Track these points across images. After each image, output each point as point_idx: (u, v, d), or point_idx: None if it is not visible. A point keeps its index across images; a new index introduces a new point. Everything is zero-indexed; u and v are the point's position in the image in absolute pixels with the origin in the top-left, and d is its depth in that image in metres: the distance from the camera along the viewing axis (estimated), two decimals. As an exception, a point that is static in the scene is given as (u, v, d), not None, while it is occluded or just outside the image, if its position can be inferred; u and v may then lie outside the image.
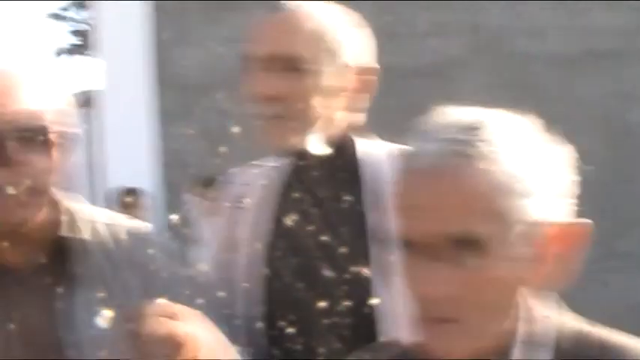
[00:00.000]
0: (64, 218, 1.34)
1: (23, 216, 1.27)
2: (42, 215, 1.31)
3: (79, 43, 17.97)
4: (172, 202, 6.08)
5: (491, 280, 0.85)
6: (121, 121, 6.56)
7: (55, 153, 1.30)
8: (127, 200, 5.29)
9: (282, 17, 1.41)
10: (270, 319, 1.43)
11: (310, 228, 1.43)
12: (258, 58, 1.40)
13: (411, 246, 0.88)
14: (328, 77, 1.41)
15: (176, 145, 6.47)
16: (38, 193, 1.28)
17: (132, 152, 6.40)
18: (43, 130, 1.28)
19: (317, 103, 1.41)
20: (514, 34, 6.13)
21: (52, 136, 1.29)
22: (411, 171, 0.89)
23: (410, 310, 0.90)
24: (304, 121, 1.41)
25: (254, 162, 1.58)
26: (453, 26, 6.10)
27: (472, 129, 0.88)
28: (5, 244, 1.30)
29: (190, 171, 5.49)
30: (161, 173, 6.51)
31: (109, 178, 6.54)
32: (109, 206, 5.16)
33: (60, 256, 1.33)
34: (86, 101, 7.64)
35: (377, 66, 1.48)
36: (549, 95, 5.74)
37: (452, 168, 0.85)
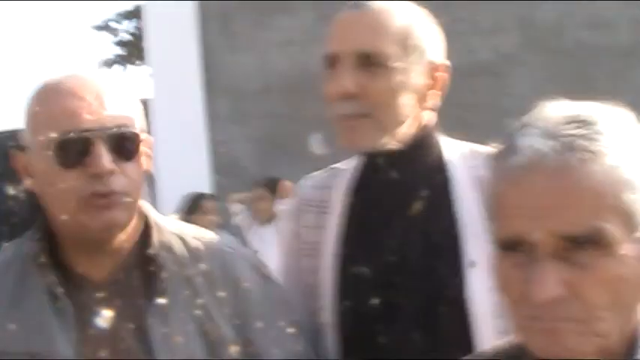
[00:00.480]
0: (152, 232, 1.30)
1: (114, 227, 1.24)
2: (131, 228, 1.28)
3: (124, 53, 18.20)
4: (224, 208, 6.10)
5: (614, 280, 0.82)
6: (172, 128, 6.59)
7: (142, 161, 1.28)
8: (204, 206, 5.27)
9: (366, 14, 1.39)
10: (357, 323, 1.39)
11: (396, 229, 1.39)
12: (341, 55, 1.37)
13: (518, 246, 0.84)
14: (412, 75, 1.38)
15: (227, 150, 6.49)
16: (129, 203, 1.24)
17: (183, 159, 6.43)
18: (133, 137, 1.25)
19: (401, 101, 1.37)
20: (572, 27, 6.02)
21: (140, 143, 1.26)
22: (527, 169, 0.84)
23: (511, 312, 0.87)
24: (387, 120, 1.37)
25: (332, 165, 1.54)
26: (508, 22, 6.02)
27: (588, 123, 0.84)
28: (92, 255, 1.27)
29: (241, 176, 5.50)
30: (212, 179, 6.53)
31: (160, 185, 6.57)
32: (180, 213, 5.20)
33: (148, 271, 1.29)
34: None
35: (449, 63, 1.45)
36: (607, 88, 5.61)
37: (576, 165, 0.82)
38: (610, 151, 0.82)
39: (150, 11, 6.61)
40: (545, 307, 0.82)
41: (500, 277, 0.87)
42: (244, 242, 5.04)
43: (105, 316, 1.27)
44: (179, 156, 6.46)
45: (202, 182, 6.21)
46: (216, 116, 6.55)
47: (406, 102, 1.38)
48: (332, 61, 1.38)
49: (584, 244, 0.81)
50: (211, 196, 5.51)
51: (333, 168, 1.54)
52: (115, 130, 1.22)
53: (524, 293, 0.83)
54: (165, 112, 6.64)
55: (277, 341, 1.32)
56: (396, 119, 1.37)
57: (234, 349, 1.28)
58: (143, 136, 1.28)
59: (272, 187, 5.21)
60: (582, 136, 0.82)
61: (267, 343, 1.32)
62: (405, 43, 1.37)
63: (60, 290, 1.26)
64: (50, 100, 1.24)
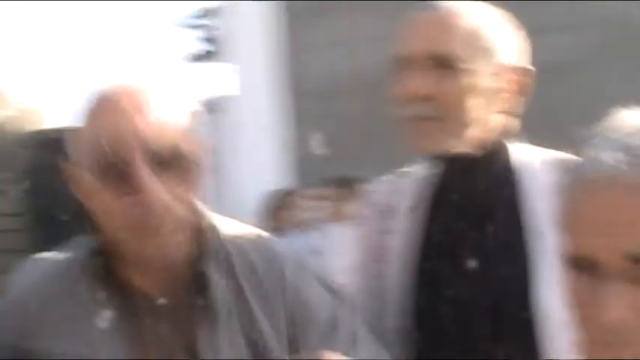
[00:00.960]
0: (208, 243, 1.27)
1: (166, 250, 1.20)
2: (186, 240, 1.24)
3: (209, 50, 18.46)
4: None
5: None
6: (252, 126, 6.66)
7: (191, 177, 1.22)
8: (288, 202, 5.31)
9: (437, 15, 1.37)
10: (423, 329, 1.39)
11: (464, 236, 1.38)
12: (411, 57, 1.36)
13: (586, 264, 0.80)
14: (483, 77, 1.35)
15: (307, 149, 6.50)
16: (179, 223, 1.20)
17: (263, 157, 6.49)
18: (181, 155, 1.20)
19: (471, 104, 1.34)
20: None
21: (186, 159, 1.21)
22: (596, 185, 0.79)
23: (579, 332, 0.83)
24: (457, 123, 1.35)
25: (402, 169, 1.53)
26: (584, 21, 5.85)
27: None
28: (146, 268, 1.25)
29: (320, 175, 5.50)
30: (292, 178, 6.57)
31: (239, 183, 6.64)
32: (264, 209, 5.24)
33: (203, 287, 1.26)
34: (217, 107, 7.80)
35: (532, 68, 1.41)
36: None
37: None
38: None
39: (233, 9, 6.67)
40: (613, 331, 0.78)
41: (568, 293, 0.84)
42: (312, 241, 5.05)
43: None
44: (260, 154, 6.52)
45: (282, 181, 6.24)
46: (297, 115, 6.58)
47: (476, 105, 1.34)
48: (403, 63, 1.37)
49: None
50: (295, 193, 5.52)
51: (402, 172, 1.53)
52: (160, 149, 1.17)
53: (592, 314, 0.80)
54: (246, 110, 6.71)
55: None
56: (465, 122, 1.35)
57: None
58: (194, 146, 1.23)
59: (344, 186, 5.19)
60: None
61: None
62: (476, 45, 1.35)
63: (111, 304, 1.25)
64: (95, 118, 1.20)
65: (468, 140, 1.35)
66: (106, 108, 1.20)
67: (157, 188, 1.16)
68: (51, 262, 1.34)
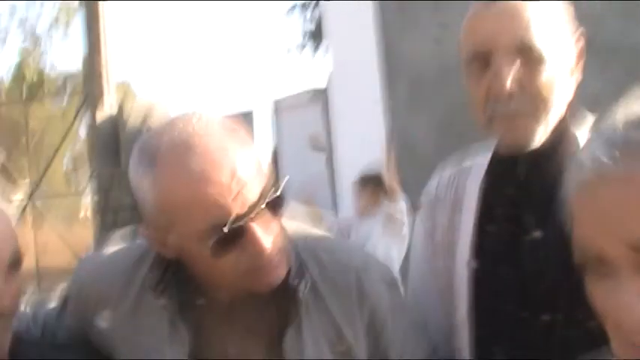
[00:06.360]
0: (292, 264, 1.26)
1: (273, 285, 1.21)
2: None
3: (310, 40, 18.56)
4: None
5: None
6: (352, 114, 6.69)
7: (279, 209, 1.20)
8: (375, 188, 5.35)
9: (510, 6, 1.31)
10: (492, 324, 1.36)
11: (532, 230, 1.33)
12: (493, 52, 1.30)
13: (600, 265, 0.78)
14: (564, 61, 1.32)
15: (406, 137, 6.50)
16: (285, 257, 1.21)
17: (363, 145, 6.51)
18: (275, 202, 1.17)
19: (556, 94, 1.31)
20: None
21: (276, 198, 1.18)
22: (590, 184, 0.78)
23: (611, 338, 0.80)
24: (547, 115, 1.31)
25: (466, 159, 1.49)
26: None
27: None
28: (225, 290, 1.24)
29: (420, 163, 5.48)
30: (392, 164, 6.56)
31: (339, 172, 6.70)
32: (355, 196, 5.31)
33: (285, 298, 1.26)
34: (317, 97, 7.88)
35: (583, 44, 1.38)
36: None
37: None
38: None
39: (330, -1, 6.72)
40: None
41: (592, 300, 0.82)
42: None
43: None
44: (358, 143, 6.54)
45: (381, 169, 6.25)
46: (395, 102, 6.56)
47: (560, 94, 1.32)
48: (483, 59, 1.31)
49: None
50: (381, 177, 5.50)
51: (465, 164, 1.48)
52: (261, 206, 1.14)
53: (616, 318, 0.77)
54: (344, 98, 6.75)
55: (410, 356, 1.31)
56: (552, 113, 1.31)
57: None
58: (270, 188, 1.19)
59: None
60: None
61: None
62: (552, 30, 1.30)
63: (178, 315, 1.25)
64: (185, 187, 1.12)
65: (543, 130, 1.31)
66: (195, 178, 1.11)
67: (269, 240, 1.16)
68: (118, 254, 1.35)
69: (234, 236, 1.12)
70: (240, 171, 1.12)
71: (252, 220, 1.13)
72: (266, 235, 1.15)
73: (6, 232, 1.16)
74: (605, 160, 0.76)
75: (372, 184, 5.36)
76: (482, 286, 1.37)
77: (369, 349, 1.28)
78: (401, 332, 1.31)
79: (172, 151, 1.13)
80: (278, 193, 1.18)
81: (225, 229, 1.10)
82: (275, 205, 1.17)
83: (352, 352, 1.26)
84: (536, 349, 1.30)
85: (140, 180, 1.15)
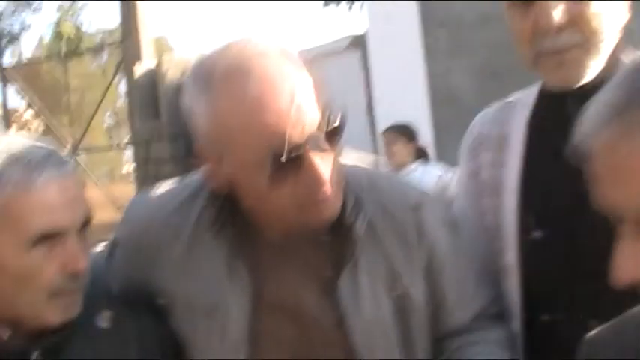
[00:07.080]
0: (346, 194, 1.19)
1: (328, 218, 1.15)
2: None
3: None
4: (441, 140, 6.08)
5: None
6: (389, 61, 6.64)
7: (338, 139, 1.13)
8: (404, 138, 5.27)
9: None
10: (540, 264, 1.31)
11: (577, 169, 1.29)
12: None
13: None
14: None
15: (445, 82, 6.45)
16: (340, 190, 1.15)
17: (401, 92, 6.47)
18: (334, 131, 1.11)
19: (609, 27, 1.26)
20: None
21: (336, 127, 1.12)
22: (590, 143, 0.79)
23: None
24: (599, 49, 1.26)
25: (511, 98, 1.43)
26: None
27: None
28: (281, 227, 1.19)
29: (459, 108, 5.43)
30: (430, 111, 6.52)
31: (378, 118, 6.66)
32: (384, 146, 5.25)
33: (341, 236, 1.20)
34: (356, 44, 7.82)
35: None
36: None
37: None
38: None
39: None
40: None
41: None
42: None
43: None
44: (397, 89, 6.50)
45: (421, 115, 6.21)
46: (434, 48, 6.50)
47: (610, 26, 1.26)
48: None
49: None
50: (410, 128, 5.41)
51: (510, 101, 1.43)
52: (318, 135, 1.08)
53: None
54: (382, 45, 6.70)
55: (468, 300, 1.28)
56: (604, 47, 1.26)
57: (423, 312, 1.24)
58: (330, 107, 1.12)
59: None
60: None
61: (459, 304, 1.27)
62: None
63: (237, 252, 1.21)
64: (242, 114, 1.06)
65: (595, 67, 1.26)
66: (254, 105, 1.06)
67: (325, 166, 1.10)
68: (169, 194, 1.30)
69: (291, 166, 1.06)
70: (299, 97, 1.06)
71: (310, 150, 1.07)
72: (324, 166, 1.09)
73: (79, 194, 1.16)
74: (595, 120, 0.77)
75: (404, 139, 5.23)
76: (531, 226, 1.32)
77: (425, 294, 1.23)
78: (460, 276, 1.27)
79: (228, 76, 1.07)
80: (337, 124, 1.11)
81: (283, 159, 1.05)
82: (333, 136, 1.11)
83: (409, 296, 1.22)
84: (589, 294, 1.25)
85: (194, 106, 1.11)
